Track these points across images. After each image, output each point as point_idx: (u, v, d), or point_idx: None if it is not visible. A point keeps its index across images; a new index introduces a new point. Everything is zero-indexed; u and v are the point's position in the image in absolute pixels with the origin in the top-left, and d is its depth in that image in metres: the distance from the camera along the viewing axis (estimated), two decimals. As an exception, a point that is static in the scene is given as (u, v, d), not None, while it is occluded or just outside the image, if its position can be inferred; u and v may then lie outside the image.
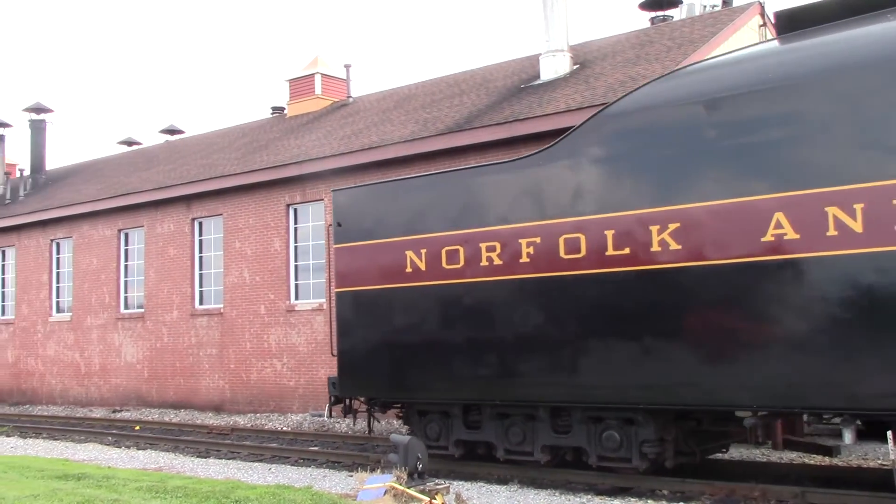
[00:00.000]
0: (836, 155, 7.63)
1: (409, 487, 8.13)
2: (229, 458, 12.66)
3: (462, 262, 10.26)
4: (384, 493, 8.15)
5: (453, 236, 10.37)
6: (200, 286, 20.89)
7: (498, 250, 9.97)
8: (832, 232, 7.49)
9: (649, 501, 8.71)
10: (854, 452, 10.41)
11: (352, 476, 10.10)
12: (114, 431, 16.21)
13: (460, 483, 9.70)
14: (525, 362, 9.75)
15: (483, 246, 10.09)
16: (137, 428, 16.02)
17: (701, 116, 8.52)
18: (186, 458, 12.93)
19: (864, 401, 7.44)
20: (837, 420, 8.28)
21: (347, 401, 11.83)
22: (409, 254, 10.72)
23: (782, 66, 8.37)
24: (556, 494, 9.15)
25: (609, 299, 9.05)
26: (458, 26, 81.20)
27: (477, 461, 10.70)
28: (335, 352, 11.75)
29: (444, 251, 10.43)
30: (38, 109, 30.53)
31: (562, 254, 9.33)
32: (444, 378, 10.50)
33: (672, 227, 8.58)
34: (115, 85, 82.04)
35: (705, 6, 21.34)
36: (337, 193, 11.95)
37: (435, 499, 7.95)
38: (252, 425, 16.43)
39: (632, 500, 8.78)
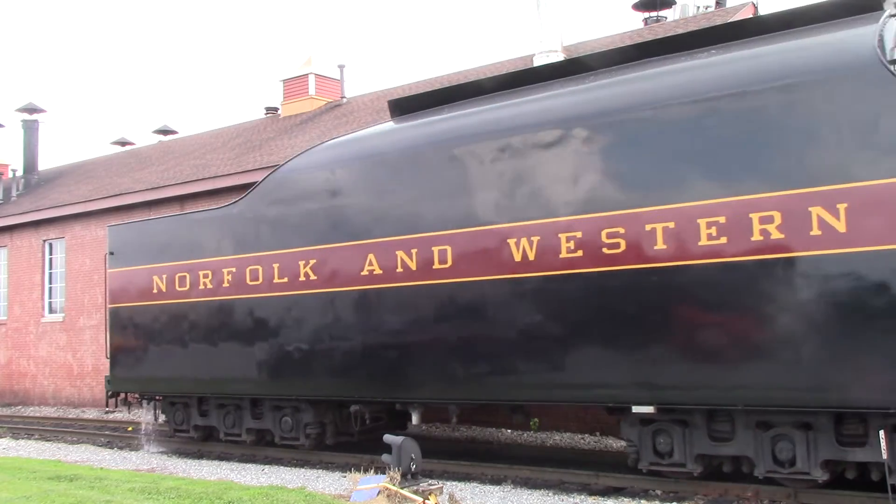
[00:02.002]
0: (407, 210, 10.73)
1: (402, 488, 8.15)
2: (222, 459, 12.64)
3: (188, 286, 13.07)
4: (377, 494, 8.16)
5: (182, 265, 13.16)
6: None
7: (210, 277, 12.74)
8: (399, 269, 10.79)
9: (642, 501, 8.72)
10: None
11: (345, 477, 10.11)
12: (106, 432, 16.16)
13: (454, 483, 9.72)
14: (229, 365, 12.54)
15: (200, 273, 12.87)
16: (130, 429, 15.99)
17: (331, 180, 11.47)
18: (180, 459, 12.90)
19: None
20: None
21: (122, 394, 14.66)
22: (155, 278, 13.54)
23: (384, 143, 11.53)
24: (550, 494, 9.17)
25: (277, 318, 11.96)
26: (452, 26, 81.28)
27: (216, 441, 13.62)
28: (108, 355, 14.46)
29: (176, 276, 13.24)
30: (31, 110, 30.45)
31: (248, 281, 12.28)
32: (182, 377, 13.26)
33: (312, 262, 11.50)
34: (108, 85, 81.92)
35: (699, 7, 21.39)
36: (111, 228, 14.98)
37: (428, 499, 7.98)
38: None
39: (625, 499, 8.80)
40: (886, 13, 8.08)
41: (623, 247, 8.74)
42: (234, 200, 12.92)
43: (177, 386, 13.47)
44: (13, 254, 25.24)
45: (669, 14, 22.79)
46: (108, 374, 14.50)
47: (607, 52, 10.37)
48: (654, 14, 22.98)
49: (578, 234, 9.07)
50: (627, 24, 34.48)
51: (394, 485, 8.20)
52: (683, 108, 8.56)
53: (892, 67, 7.51)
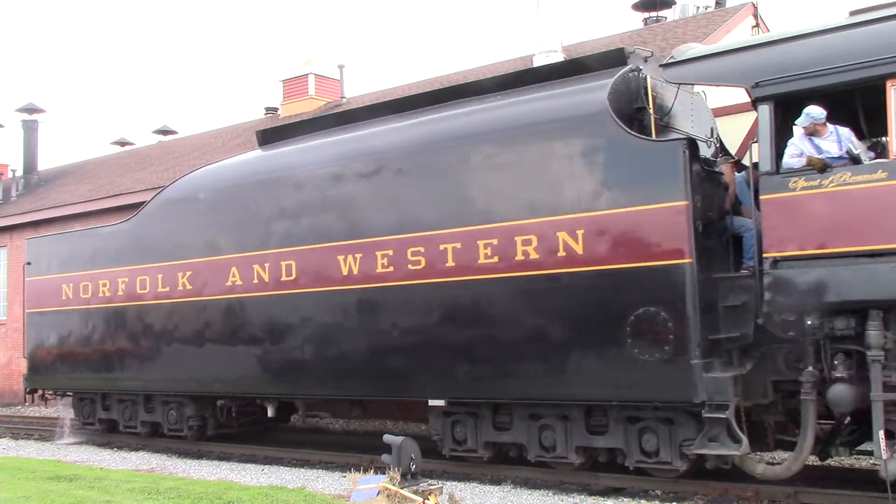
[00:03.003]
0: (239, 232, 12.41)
1: (402, 488, 8.15)
2: (222, 459, 12.63)
3: (90, 294, 14.47)
4: (377, 494, 8.16)
5: (85, 275, 14.58)
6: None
7: (108, 286, 14.19)
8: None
9: (642, 501, 8.71)
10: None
11: (345, 477, 10.08)
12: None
13: (453, 483, 9.71)
14: (123, 365, 13.97)
15: (100, 282, 14.28)
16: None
17: (203, 201, 12.93)
18: (179, 459, 12.91)
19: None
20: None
21: (37, 391, 16.04)
22: (64, 286, 14.92)
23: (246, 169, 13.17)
24: (550, 495, 9.16)
25: (160, 323, 13.39)
26: (452, 25, 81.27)
27: (118, 433, 14.98)
28: (25, 355, 16.06)
29: (80, 285, 14.63)
30: (31, 110, 30.45)
31: (137, 290, 13.76)
32: (87, 375, 14.63)
33: (188, 273, 12.96)
34: (108, 85, 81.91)
35: (698, 7, 21.38)
36: (28, 241, 16.83)
37: (428, 499, 7.98)
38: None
39: (625, 500, 8.79)
40: (626, 68, 9.39)
41: (423, 263, 10.15)
42: (127, 218, 14.57)
43: (83, 383, 14.96)
44: (13, 254, 25.24)
45: (669, 14, 22.76)
46: (31, 374, 16.02)
47: (419, 96, 12.11)
48: (653, 14, 22.96)
49: (390, 252, 10.46)
50: (627, 24, 34.49)
51: (394, 485, 8.21)
52: (461, 148, 10.08)
53: (615, 117, 8.83)
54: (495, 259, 9.56)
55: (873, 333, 7.45)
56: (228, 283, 12.28)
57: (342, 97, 25.03)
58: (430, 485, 8.49)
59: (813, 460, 9.50)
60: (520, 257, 9.35)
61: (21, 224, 24.95)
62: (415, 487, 8.24)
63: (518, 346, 9.40)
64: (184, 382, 13.13)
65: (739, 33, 16.98)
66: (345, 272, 10.93)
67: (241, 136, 24.43)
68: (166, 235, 13.29)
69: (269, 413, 12.67)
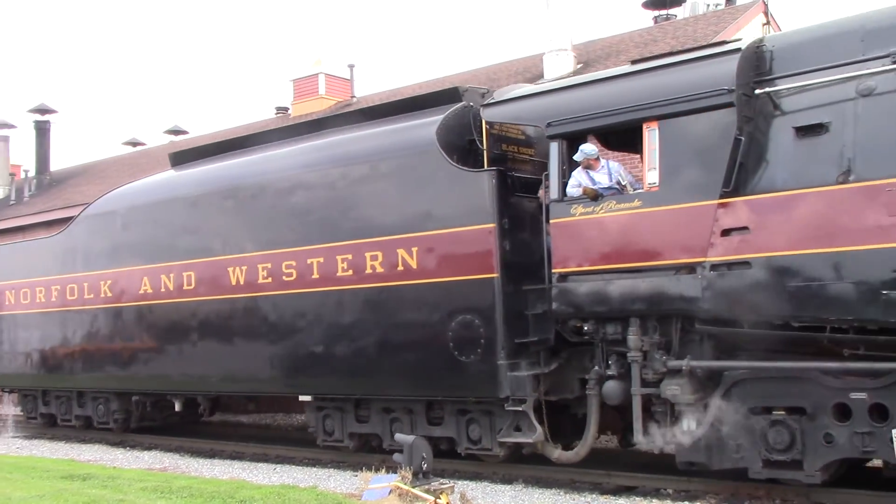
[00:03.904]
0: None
1: (414, 487, 8.15)
2: (234, 458, 12.67)
3: (29, 300, 16.01)
4: (389, 493, 8.15)
5: (24, 283, 16.15)
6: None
7: (43, 293, 15.58)
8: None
9: (654, 500, 8.70)
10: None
11: (356, 476, 10.09)
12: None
13: (465, 482, 9.71)
14: (57, 365, 15.38)
15: (37, 289, 15.81)
16: None
17: (119, 217, 14.27)
18: (192, 458, 12.96)
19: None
20: None
21: None
22: (7, 293, 16.49)
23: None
24: (561, 494, 9.15)
25: (85, 326, 14.74)
26: (461, 24, 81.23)
27: (56, 427, 16.46)
28: None
29: (21, 291, 16.20)
30: (43, 110, 30.56)
31: (67, 296, 15.06)
32: (28, 373, 16.08)
33: (109, 282, 14.31)
34: (119, 86, 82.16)
35: (708, 4, 21.31)
36: None
37: (440, 498, 7.97)
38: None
39: (637, 499, 8.78)
40: (458, 105, 10.52)
41: (294, 276, 11.40)
42: (59, 231, 16.19)
43: (25, 381, 16.40)
44: (26, 254, 25.30)
45: (679, 12, 22.68)
46: None
47: (299, 125, 13.66)
48: (663, 12, 22.87)
49: (269, 265, 11.66)
50: (637, 22, 34.45)
51: (405, 484, 8.21)
52: (324, 175, 11.37)
53: (441, 149, 9.98)
54: (350, 272, 10.78)
55: (632, 338, 8.59)
56: (140, 291, 13.60)
57: (352, 96, 25.05)
58: (442, 484, 8.51)
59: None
60: (369, 270, 10.59)
61: (33, 224, 25.08)
62: (426, 486, 8.25)
63: (368, 349, 10.62)
64: (106, 380, 14.50)
65: (750, 31, 16.89)
66: (233, 282, 12.16)
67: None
68: (90, 248, 14.68)
69: (177, 408, 14.18)
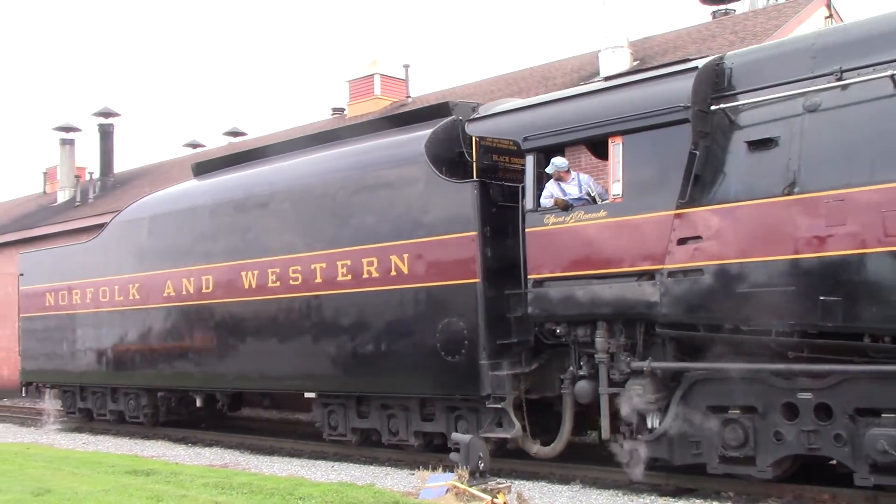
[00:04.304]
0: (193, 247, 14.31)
1: (470, 486, 8.19)
2: (293, 456, 12.88)
3: (66, 301, 17.00)
4: (446, 492, 8.19)
5: (62, 285, 17.16)
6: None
7: (78, 294, 16.66)
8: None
9: (714, 503, 8.54)
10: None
11: (413, 474, 10.21)
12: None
13: (522, 482, 9.74)
14: (92, 363, 16.39)
15: (73, 291, 16.80)
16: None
17: (146, 224, 15.26)
18: (252, 455, 13.18)
19: None
20: None
21: (31, 384, 18.78)
22: (47, 294, 17.56)
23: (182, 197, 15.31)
24: (619, 495, 9.12)
25: (116, 327, 15.71)
26: (517, 22, 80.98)
27: (93, 420, 17.52)
28: (20, 353, 18.72)
29: (59, 293, 17.26)
30: (106, 114, 31.28)
31: (100, 298, 16.13)
32: (67, 370, 17.06)
33: (137, 285, 15.27)
34: (179, 89, 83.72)
35: (768, -1, 20.85)
36: (21, 255, 19.70)
37: (497, 498, 8.00)
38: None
39: (696, 501, 8.78)
40: (448, 119, 11.27)
41: (300, 280, 12.23)
42: (92, 237, 17.62)
43: (64, 378, 17.49)
44: (92, 254, 25.93)
45: (738, 6, 22.27)
46: (24, 368, 18.79)
47: (310, 136, 14.48)
48: (722, 7, 22.47)
49: (277, 270, 12.54)
50: (695, 18, 33.86)
51: (462, 483, 8.26)
52: (327, 186, 12.13)
53: (429, 161, 10.75)
54: (349, 277, 11.60)
55: (599, 340, 9.22)
56: (164, 294, 14.61)
57: (407, 97, 25.19)
58: (499, 483, 8.57)
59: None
60: (365, 276, 11.38)
61: (98, 225, 25.65)
62: (483, 486, 8.31)
63: (366, 349, 11.42)
64: (135, 378, 15.58)
65: (811, 25, 16.57)
66: (246, 286, 13.07)
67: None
68: (120, 253, 15.77)
69: (199, 403, 15.11)
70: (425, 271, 10.76)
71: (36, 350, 18.03)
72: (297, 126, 28.20)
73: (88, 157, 35.59)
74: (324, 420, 12.51)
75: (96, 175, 31.67)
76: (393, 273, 11.07)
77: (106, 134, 31.26)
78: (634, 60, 17.48)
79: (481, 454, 8.65)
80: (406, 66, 25.80)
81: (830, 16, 17.57)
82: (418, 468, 9.94)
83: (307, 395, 12.59)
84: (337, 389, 12.12)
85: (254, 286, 12.91)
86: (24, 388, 19.16)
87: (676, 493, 9.02)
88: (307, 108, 71.87)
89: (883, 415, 7.60)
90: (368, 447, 12.08)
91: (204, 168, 15.73)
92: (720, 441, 8.49)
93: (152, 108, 79.76)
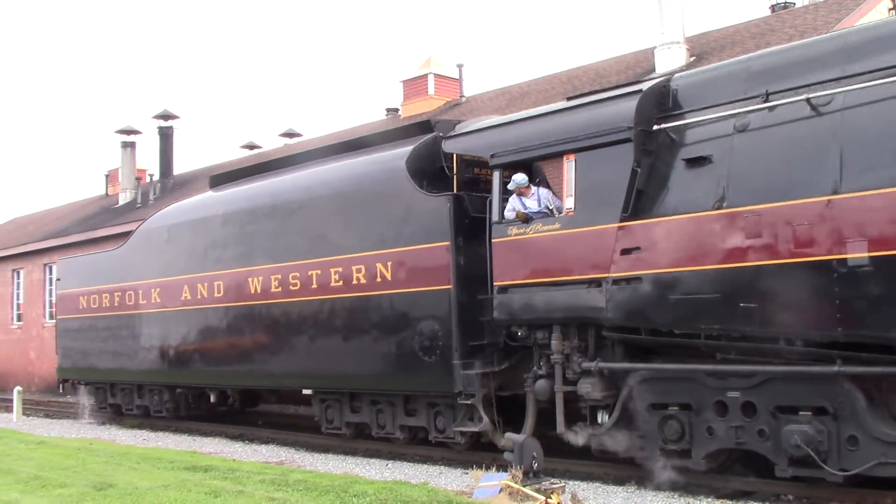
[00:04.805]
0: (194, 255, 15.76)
1: (524, 486, 8.21)
2: (347, 454, 13.07)
3: (96, 304, 18.38)
4: (500, 491, 8.20)
5: (92, 290, 18.58)
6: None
7: (107, 297, 18.03)
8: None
9: (772, 507, 8.44)
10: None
11: (467, 473, 10.37)
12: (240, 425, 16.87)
13: (576, 483, 9.80)
14: (121, 361, 17.55)
15: (102, 295, 18.20)
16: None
17: (165, 232, 16.67)
18: (307, 452, 13.39)
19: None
20: None
21: (67, 381, 20.32)
22: (80, 298, 19.02)
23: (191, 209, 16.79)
24: (675, 497, 9.11)
25: (141, 328, 16.91)
26: (571, 20, 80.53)
27: (121, 415, 19.08)
28: (57, 352, 20.17)
29: (90, 297, 18.62)
30: (166, 116, 32.06)
31: (127, 301, 17.46)
32: (98, 368, 18.59)
33: (157, 290, 16.56)
34: (236, 91, 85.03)
35: (830, -8, 20.34)
36: (59, 261, 21.92)
37: (550, 498, 8.04)
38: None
39: (754, 504, 8.51)
40: (429, 136, 12.28)
41: (299, 285, 13.38)
42: (119, 245, 19.36)
43: (96, 375, 19.06)
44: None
45: (798, 0, 21.79)
46: (60, 366, 20.31)
47: (313, 151, 15.82)
48: (781, 1, 22.03)
49: (279, 276, 13.71)
50: (753, 12, 33.29)
51: (516, 482, 8.28)
52: (322, 199, 13.29)
53: (409, 176, 11.75)
54: (341, 283, 12.72)
55: (554, 343, 10.15)
56: (182, 298, 15.97)
57: (461, 96, 25.35)
58: (553, 483, 8.65)
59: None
60: (355, 282, 12.50)
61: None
62: (537, 486, 8.39)
63: (356, 350, 12.50)
64: (157, 375, 16.93)
65: (874, 18, 16.09)
66: (252, 291, 14.27)
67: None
68: (143, 260, 17.26)
69: (212, 399, 16.53)
70: (406, 278, 11.85)
71: (70, 350, 19.62)
72: (350, 128, 28.44)
73: (149, 160, 36.47)
74: (322, 414, 13.71)
75: (156, 177, 32.41)
76: (378, 279, 12.19)
77: (165, 136, 32.06)
78: (691, 56, 17.33)
79: (535, 454, 8.67)
80: (460, 66, 25.97)
81: (894, 7, 17.07)
82: (471, 467, 10.09)
83: (304, 391, 14.03)
84: (332, 386, 13.33)
85: (259, 291, 14.18)
86: (61, 385, 20.86)
87: (734, 496, 8.94)
88: (362, 109, 72.49)
89: (800, 412, 8.38)
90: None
91: (221, 180, 17.19)
92: (661, 435, 9.34)
93: (210, 110, 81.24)
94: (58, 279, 20.49)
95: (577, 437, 10.07)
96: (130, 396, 18.31)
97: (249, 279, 14.28)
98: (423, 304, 11.56)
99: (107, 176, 36.81)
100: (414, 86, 26.26)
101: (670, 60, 17.05)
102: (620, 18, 74.68)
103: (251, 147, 35.31)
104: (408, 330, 11.72)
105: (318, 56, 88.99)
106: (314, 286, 13.08)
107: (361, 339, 12.40)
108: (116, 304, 17.81)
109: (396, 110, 27.34)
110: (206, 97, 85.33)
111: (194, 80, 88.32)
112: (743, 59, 9.79)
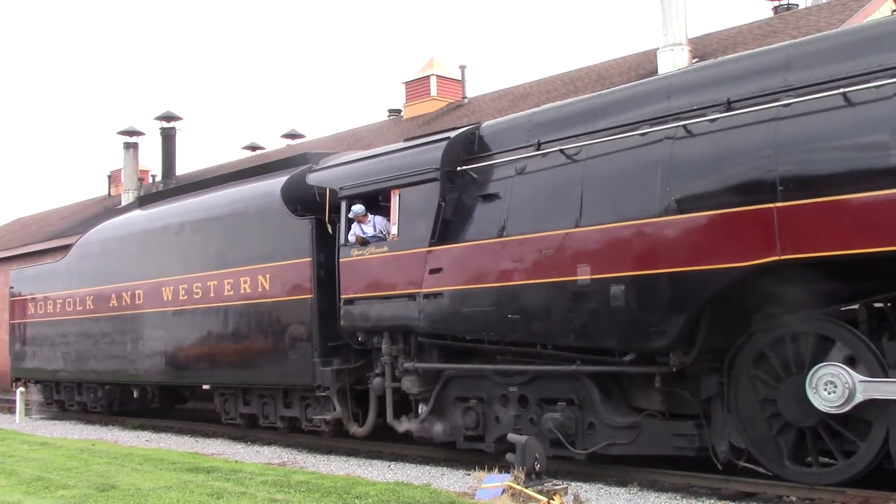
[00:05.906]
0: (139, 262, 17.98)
1: (527, 487, 8.33)
2: (350, 455, 13.29)
3: (43, 310, 20.81)
4: (502, 493, 8.26)
5: (38, 297, 21.11)
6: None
7: (52, 305, 20.43)
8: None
9: (775, 508, 8.50)
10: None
11: (469, 475, 10.64)
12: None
13: (578, 484, 9.95)
14: (61, 361, 19.84)
15: (48, 302, 20.60)
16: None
17: (98, 246, 19.04)
18: (309, 454, 13.57)
19: None
20: None
21: (20, 380, 22.99)
22: (29, 304, 21.79)
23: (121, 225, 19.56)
24: (678, 498, 9.26)
25: (78, 332, 19.14)
26: (574, 22, 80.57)
27: (65, 410, 21.60)
28: (10, 353, 23.28)
29: (38, 303, 21.15)
30: (168, 118, 32.66)
31: (66, 308, 19.94)
32: (45, 368, 21.05)
33: (91, 297, 18.65)
34: (239, 92, 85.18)
35: (833, -8, 20.40)
36: (13, 272, 24.07)
37: (553, 499, 8.23)
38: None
39: (756, 506, 8.57)
40: (303, 167, 14.63)
41: (200, 294, 15.65)
42: (61, 257, 22.23)
43: (43, 374, 21.93)
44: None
45: (801, 1, 21.83)
46: (13, 366, 23.47)
47: (217, 177, 18.52)
48: (784, 2, 22.13)
49: (185, 286, 16.14)
50: (756, 13, 33.30)
51: (518, 484, 8.41)
52: (218, 219, 15.53)
53: (283, 202, 14.05)
54: (232, 292, 15.26)
55: (384, 346, 12.53)
56: (111, 304, 18.56)
57: (464, 97, 25.82)
58: (555, 484, 8.85)
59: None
60: (243, 291, 14.94)
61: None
62: (539, 487, 8.57)
63: (245, 349, 14.86)
64: (90, 374, 19.69)
65: (877, 18, 16.07)
66: (165, 298, 16.87)
67: (364, 140, 24.94)
68: (80, 270, 20.01)
69: (135, 395, 19.28)
70: (280, 288, 14.38)
71: (21, 351, 22.70)
72: (352, 129, 28.49)
73: (151, 161, 37.19)
74: (221, 407, 16.37)
75: (159, 178, 32.60)
76: (260, 289, 14.75)
77: (168, 137, 32.66)
78: (694, 58, 17.45)
79: (537, 455, 8.75)
80: (462, 67, 26.57)
81: (897, 9, 17.08)
82: (474, 468, 10.34)
83: (204, 386, 16.97)
84: (227, 382, 16.00)
85: (170, 299, 16.88)
86: (13, 383, 23.66)
87: (736, 497, 9.02)
88: (364, 110, 72.61)
89: (557, 403, 10.64)
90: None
91: (148, 200, 20.27)
92: (463, 423, 11.72)
93: (213, 111, 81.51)
94: (11, 287, 23.65)
95: (402, 426, 12.40)
96: (71, 393, 21.41)
97: (163, 289, 17.01)
98: (292, 310, 14.02)
99: (109, 177, 37.69)
100: (416, 87, 26.62)
101: (673, 61, 17.16)
102: (624, 20, 74.73)
103: (253, 148, 35.77)
104: (281, 332, 14.26)
105: (320, 57, 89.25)
106: (212, 295, 15.68)
107: (248, 341, 15.01)
108: (58, 310, 20.76)
109: (399, 111, 27.70)
110: (208, 98, 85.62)
111: (197, 81, 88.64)
112: (529, 112, 12.20)
